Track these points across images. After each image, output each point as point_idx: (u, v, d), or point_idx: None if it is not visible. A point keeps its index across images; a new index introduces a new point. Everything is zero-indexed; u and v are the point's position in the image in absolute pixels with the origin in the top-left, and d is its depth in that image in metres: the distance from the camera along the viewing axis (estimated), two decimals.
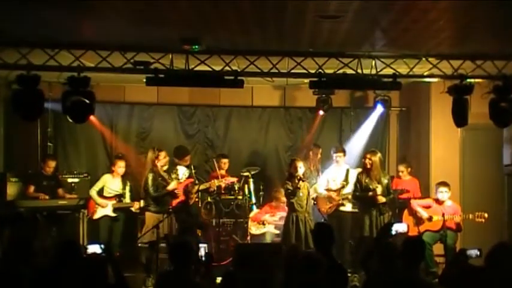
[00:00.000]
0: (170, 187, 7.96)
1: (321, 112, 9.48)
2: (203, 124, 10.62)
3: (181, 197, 8.70)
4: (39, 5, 5.33)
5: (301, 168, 8.05)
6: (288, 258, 5.34)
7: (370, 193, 7.96)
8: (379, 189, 7.92)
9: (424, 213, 8.28)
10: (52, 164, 8.89)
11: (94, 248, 5.04)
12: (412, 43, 6.72)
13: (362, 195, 8.09)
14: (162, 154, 8.22)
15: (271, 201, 9.11)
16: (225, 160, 9.41)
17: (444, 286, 4.83)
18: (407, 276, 4.70)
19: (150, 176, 8.03)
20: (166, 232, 7.77)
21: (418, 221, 8.31)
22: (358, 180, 8.21)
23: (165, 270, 6.28)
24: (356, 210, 8.44)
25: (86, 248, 5.19)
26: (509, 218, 9.36)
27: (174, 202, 8.62)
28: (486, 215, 8.15)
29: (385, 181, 8.08)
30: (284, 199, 8.56)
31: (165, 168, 8.33)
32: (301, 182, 7.99)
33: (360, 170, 8.60)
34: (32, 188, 8.70)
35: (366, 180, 8.03)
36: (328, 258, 5.00)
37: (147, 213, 8.15)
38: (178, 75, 7.06)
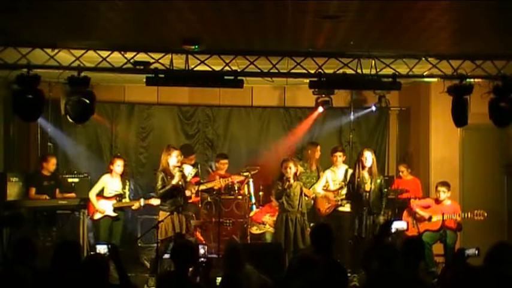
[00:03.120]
0: (174, 181, 7.92)
1: (320, 109, 9.45)
2: (203, 124, 10.63)
3: (194, 198, 8.67)
4: (39, 5, 5.33)
5: (291, 168, 7.99)
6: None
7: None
8: (367, 186, 7.89)
9: (424, 214, 8.29)
10: (54, 161, 8.85)
11: (102, 248, 5.05)
12: (411, 43, 6.73)
13: (355, 194, 8.05)
14: (175, 152, 8.06)
15: (271, 201, 9.11)
16: (224, 161, 9.41)
17: (443, 286, 4.83)
18: (407, 276, 4.70)
19: (160, 175, 7.92)
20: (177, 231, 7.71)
21: (419, 221, 8.33)
22: (350, 181, 8.17)
23: (167, 271, 6.28)
24: None
25: (95, 248, 5.20)
26: (509, 218, 9.38)
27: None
28: (485, 213, 8.16)
29: (378, 180, 8.05)
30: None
31: (177, 165, 8.14)
32: (292, 182, 7.94)
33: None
34: (33, 190, 8.68)
35: (358, 180, 7.99)
36: (328, 258, 5.01)
37: (161, 212, 8.02)
38: (178, 75, 7.06)
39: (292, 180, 7.95)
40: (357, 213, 7.98)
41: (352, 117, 10.22)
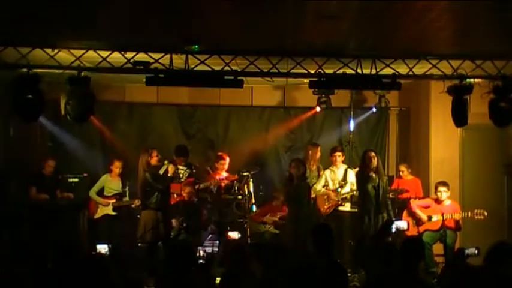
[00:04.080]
0: (171, 173, 8.03)
1: (318, 109, 9.47)
2: (203, 124, 10.63)
3: (182, 197, 8.72)
4: (39, 5, 5.33)
5: (300, 168, 8.06)
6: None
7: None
8: (375, 185, 7.92)
9: (423, 215, 8.28)
10: (52, 163, 8.91)
11: (102, 248, 5.05)
12: (411, 43, 6.73)
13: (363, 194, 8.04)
14: (155, 152, 8.19)
15: (272, 201, 9.12)
16: (224, 162, 9.40)
17: (443, 286, 4.83)
18: (407, 276, 4.70)
19: (149, 175, 8.01)
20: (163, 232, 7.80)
21: (418, 222, 8.32)
22: (358, 183, 8.16)
23: (165, 272, 6.26)
24: (355, 210, 8.43)
25: (95, 247, 5.19)
26: (509, 218, 9.38)
27: (173, 200, 8.63)
28: (485, 212, 8.16)
29: (384, 179, 8.06)
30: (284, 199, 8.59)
31: (163, 169, 8.26)
32: (301, 182, 8.01)
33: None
34: (34, 190, 8.71)
35: (367, 179, 7.98)
36: (329, 258, 5.01)
37: (144, 212, 8.10)
38: (178, 75, 7.07)
39: (300, 180, 8.02)
40: (365, 212, 7.94)
41: (352, 118, 10.22)
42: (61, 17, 5.75)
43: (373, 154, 8.03)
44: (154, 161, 8.08)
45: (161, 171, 8.12)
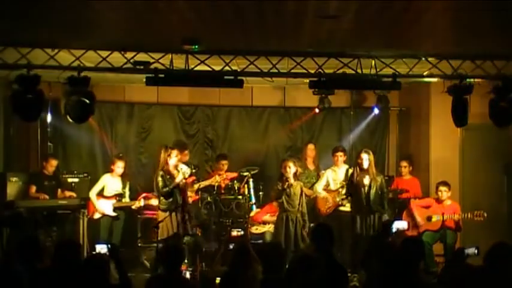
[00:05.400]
0: (178, 179, 7.98)
1: (317, 110, 9.48)
2: (203, 124, 10.63)
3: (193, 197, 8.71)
4: (39, 5, 5.33)
5: (291, 168, 8.04)
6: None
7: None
8: (366, 186, 7.94)
9: (419, 219, 8.30)
10: (54, 163, 8.92)
11: (101, 248, 5.06)
12: (411, 43, 6.73)
13: (354, 193, 8.09)
14: (174, 152, 8.17)
15: (272, 201, 9.11)
16: (224, 161, 9.40)
17: (443, 286, 4.83)
18: (407, 276, 4.71)
19: (160, 173, 7.99)
20: (175, 231, 7.77)
21: (415, 224, 8.33)
22: (350, 180, 8.22)
23: (155, 274, 6.26)
24: None
25: (94, 248, 5.18)
26: (509, 218, 9.38)
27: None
28: (485, 214, 8.17)
29: (378, 180, 8.09)
30: None
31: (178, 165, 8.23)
32: (292, 182, 7.99)
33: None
34: (33, 188, 8.71)
35: (358, 179, 8.03)
36: (328, 258, 5.01)
37: (159, 212, 8.10)
38: (178, 75, 7.06)
39: (292, 180, 7.98)
40: (357, 212, 8.01)
41: (352, 118, 10.24)
42: (61, 17, 5.74)
43: (365, 154, 8.05)
44: (173, 161, 8.03)
45: (177, 179, 8.04)
